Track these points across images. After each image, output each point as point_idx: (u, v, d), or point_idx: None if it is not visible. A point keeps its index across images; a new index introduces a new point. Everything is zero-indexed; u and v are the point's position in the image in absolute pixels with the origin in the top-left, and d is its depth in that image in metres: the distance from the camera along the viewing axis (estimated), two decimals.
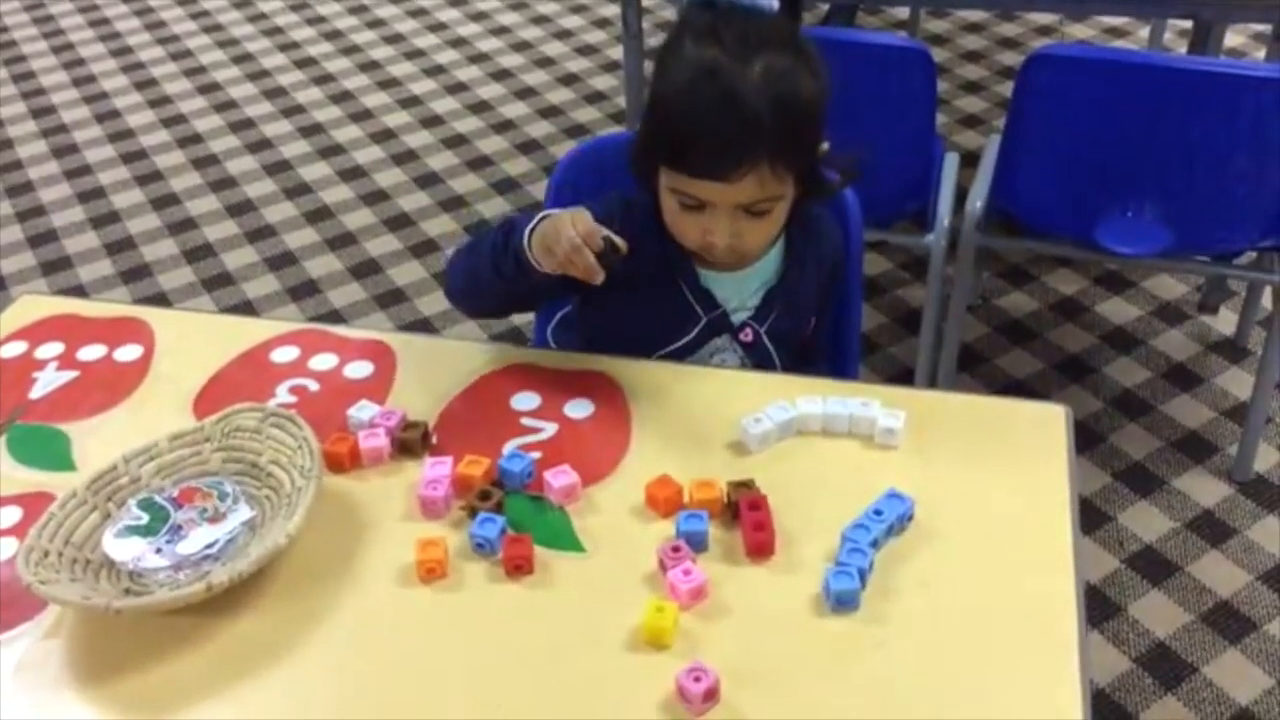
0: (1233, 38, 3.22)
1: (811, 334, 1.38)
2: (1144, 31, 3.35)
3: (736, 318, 1.28)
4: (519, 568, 1.02)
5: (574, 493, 1.08)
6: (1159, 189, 1.78)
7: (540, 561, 1.02)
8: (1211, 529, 1.97)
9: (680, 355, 1.28)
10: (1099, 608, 1.84)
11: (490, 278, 1.20)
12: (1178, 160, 1.76)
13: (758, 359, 1.29)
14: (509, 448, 1.13)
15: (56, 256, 2.75)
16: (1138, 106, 1.71)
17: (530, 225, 1.15)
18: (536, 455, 1.12)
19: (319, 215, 2.86)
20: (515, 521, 1.05)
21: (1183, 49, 3.06)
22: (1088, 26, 3.48)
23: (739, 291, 1.28)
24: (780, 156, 1.12)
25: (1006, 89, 3.14)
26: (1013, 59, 3.31)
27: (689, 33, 1.16)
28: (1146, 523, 1.99)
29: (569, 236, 1.09)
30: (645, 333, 1.27)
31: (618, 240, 1.11)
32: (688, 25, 1.16)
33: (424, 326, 2.46)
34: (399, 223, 2.82)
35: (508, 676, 0.94)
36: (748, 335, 1.28)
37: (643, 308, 1.26)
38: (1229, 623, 1.82)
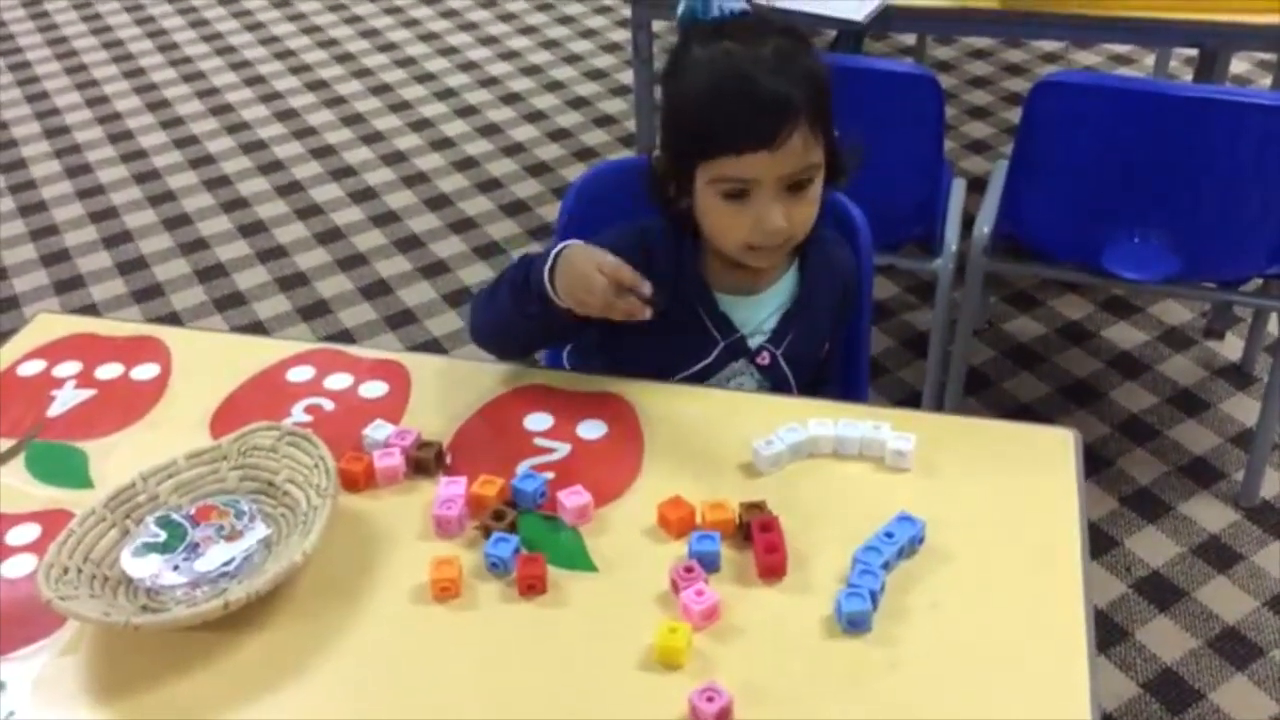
0: (1238, 65, 3.24)
1: (824, 357, 1.39)
2: (1149, 59, 3.37)
3: (753, 341, 1.29)
4: (532, 587, 1.02)
5: (587, 513, 1.09)
6: (1166, 215, 1.80)
7: (553, 581, 1.03)
8: (1218, 555, 1.98)
9: (699, 379, 1.29)
10: (1106, 633, 1.84)
11: (516, 320, 1.22)
12: (1184, 186, 1.77)
13: (774, 381, 1.31)
14: (522, 468, 1.14)
15: (69, 275, 2.77)
16: (1145, 133, 1.73)
17: (548, 265, 1.16)
18: (549, 475, 1.13)
19: (330, 236, 2.88)
20: (529, 541, 1.06)
21: (1188, 77, 3.09)
22: (1094, 54, 3.50)
23: (755, 315, 1.29)
24: (815, 117, 1.16)
25: (1013, 115, 3.16)
26: (1019, 85, 3.33)
27: (694, 41, 1.20)
28: (1153, 548, 1.99)
29: (601, 286, 1.11)
30: (663, 358, 1.28)
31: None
32: (690, 37, 1.21)
33: (434, 347, 2.48)
34: (409, 244, 2.84)
35: (521, 695, 0.95)
36: (764, 359, 1.30)
37: (660, 333, 1.27)
38: (1236, 649, 1.83)
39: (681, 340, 1.28)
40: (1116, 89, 1.78)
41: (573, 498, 1.09)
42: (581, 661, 0.97)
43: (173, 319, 2.60)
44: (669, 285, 1.25)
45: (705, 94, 1.18)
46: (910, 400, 2.28)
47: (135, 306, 2.66)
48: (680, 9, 1.21)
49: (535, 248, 2.79)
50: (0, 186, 3.13)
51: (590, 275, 1.12)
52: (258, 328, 2.57)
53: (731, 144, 1.16)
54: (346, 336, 2.53)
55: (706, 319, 1.28)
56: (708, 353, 1.29)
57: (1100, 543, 1.98)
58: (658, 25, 2.30)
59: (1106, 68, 3.41)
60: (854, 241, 1.42)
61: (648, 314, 1.13)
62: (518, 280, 1.21)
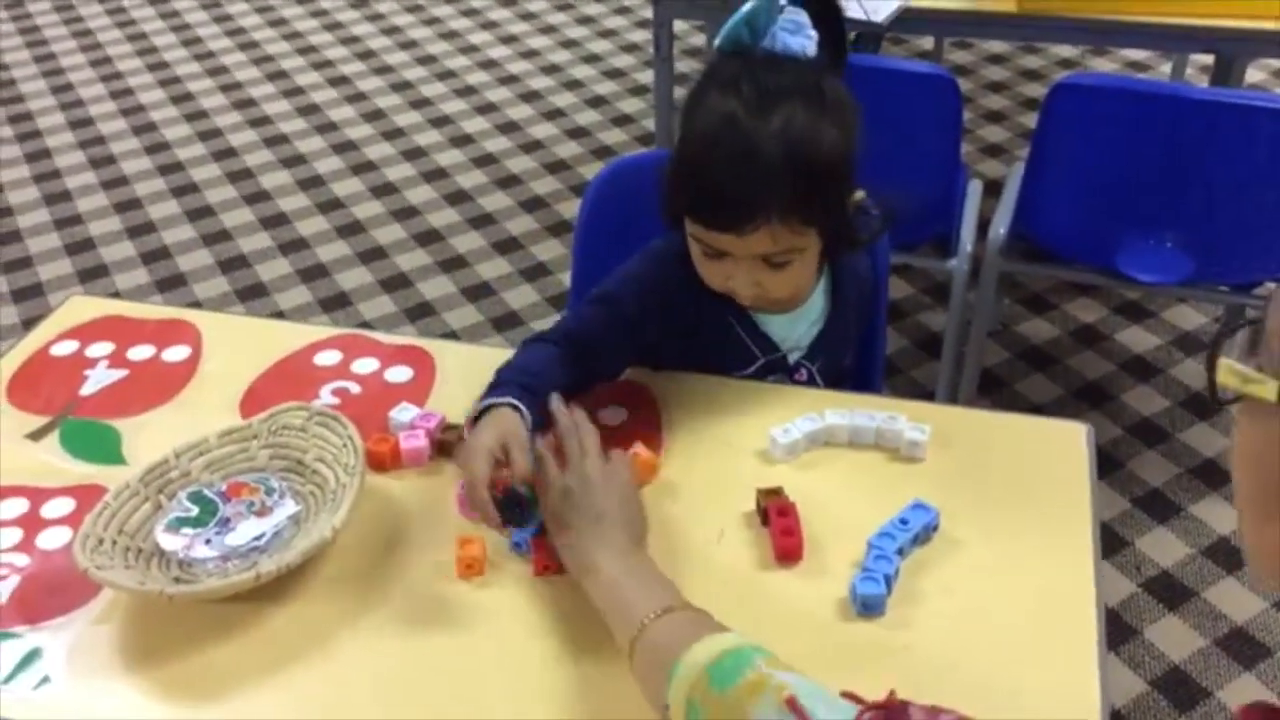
0: (1254, 74, 3.25)
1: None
2: (1166, 66, 3.39)
3: (791, 358, 1.29)
4: (548, 568, 1.04)
5: None
6: (1181, 218, 1.82)
7: None
8: (1227, 555, 1.99)
9: None
10: (1116, 631, 1.86)
11: None
12: (1199, 190, 1.79)
13: None
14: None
15: (94, 264, 2.81)
16: (1161, 136, 1.74)
17: (474, 413, 1.09)
18: None
19: (350, 229, 2.91)
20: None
21: (1204, 84, 3.10)
22: (1110, 60, 3.51)
23: (793, 330, 1.29)
24: (794, 212, 1.12)
25: (1029, 119, 3.18)
26: (1035, 90, 3.35)
27: (714, 80, 1.15)
28: (1163, 548, 2.01)
29: (461, 483, 1.07)
30: (702, 372, 1.27)
31: (522, 493, 1.04)
32: (715, 72, 1.16)
33: (452, 339, 2.50)
34: (428, 238, 2.87)
35: (542, 671, 0.97)
36: (802, 375, 1.30)
37: (700, 351, 1.27)
38: (1243, 648, 1.84)
39: (721, 357, 1.28)
40: (1133, 91, 1.80)
41: None
42: (602, 640, 0.98)
43: (195, 309, 2.62)
44: (706, 306, 1.24)
45: (694, 156, 1.14)
46: (924, 400, 2.29)
47: (158, 296, 2.69)
48: (722, 32, 1.13)
49: (553, 243, 2.82)
50: (26, 176, 3.17)
51: (463, 466, 1.05)
52: (279, 319, 2.59)
53: (700, 218, 1.15)
54: (366, 328, 2.54)
55: (747, 338, 1.27)
56: (746, 369, 1.29)
57: (1111, 542, 2.00)
58: (678, 26, 2.32)
59: (1123, 74, 3.42)
60: (872, 243, 1.43)
61: (494, 524, 1.03)
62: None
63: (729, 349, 1.27)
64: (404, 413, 1.20)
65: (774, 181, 1.09)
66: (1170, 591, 1.93)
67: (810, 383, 1.31)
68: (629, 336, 1.23)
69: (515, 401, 1.09)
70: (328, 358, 1.31)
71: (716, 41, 1.15)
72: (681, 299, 1.24)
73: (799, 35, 1.12)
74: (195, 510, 1.07)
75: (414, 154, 3.22)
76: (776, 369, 1.29)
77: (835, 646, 0.98)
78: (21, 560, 1.08)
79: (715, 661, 0.83)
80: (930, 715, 0.77)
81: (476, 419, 1.08)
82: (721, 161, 1.11)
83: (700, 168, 1.13)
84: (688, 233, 1.19)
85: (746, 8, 1.11)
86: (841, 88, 1.15)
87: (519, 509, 1.04)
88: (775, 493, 1.09)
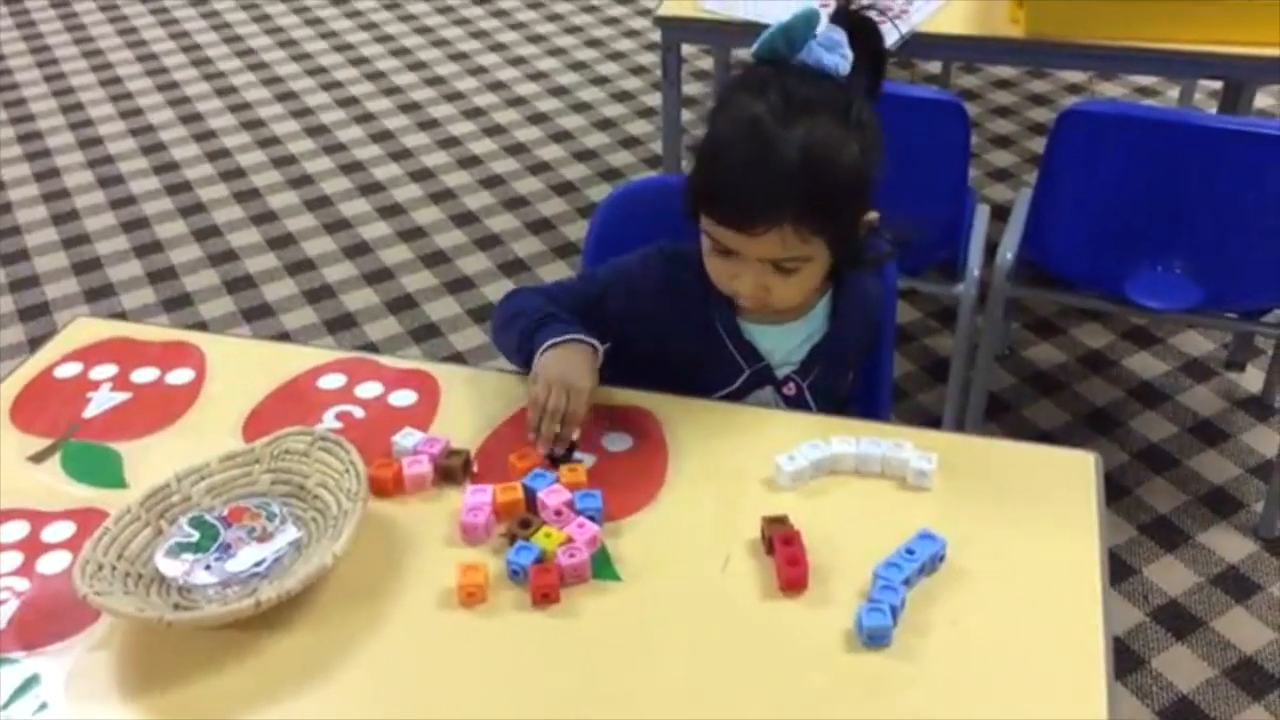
0: (1262, 99, 3.25)
1: (846, 389, 1.40)
2: (1174, 92, 3.39)
3: (781, 371, 1.29)
4: (546, 596, 1.03)
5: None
6: (1189, 245, 1.81)
7: (578, 589, 1.04)
8: (1236, 585, 1.97)
9: None
10: (1123, 660, 1.84)
11: (518, 359, 1.27)
12: (1208, 217, 1.78)
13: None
14: (535, 470, 1.15)
15: (100, 284, 2.81)
16: (1169, 163, 1.74)
17: (550, 342, 1.19)
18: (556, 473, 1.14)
19: (357, 250, 2.91)
20: (551, 550, 1.07)
21: (1213, 109, 3.10)
22: (1118, 85, 3.51)
23: (784, 344, 1.29)
24: (805, 220, 1.13)
25: (1036, 144, 3.18)
26: (1043, 115, 3.35)
27: (745, 84, 1.17)
28: (1171, 577, 1.99)
29: (553, 406, 1.14)
30: (689, 383, 1.28)
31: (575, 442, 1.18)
32: (747, 76, 1.18)
33: (458, 361, 2.50)
34: (435, 259, 2.87)
35: (544, 700, 0.96)
36: (790, 389, 1.30)
37: (685, 357, 1.28)
38: (1252, 679, 1.82)
39: (707, 366, 1.29)
40: (1141, 119, 1.80)
41: (554, 497, 1.10)
42: (603, 668, 0.98)
43: (200, 329, 2.63)
44: (695, 310, 1.27)
45: (714, 153, 1.17)
46: (930, 425, 2.28)
47: (164, 315, 2.69)
48: (759, 41, 1.15)
49: (560, 265, 2.82)
50: (34, 195, 3.18)
51: (559, 389, 1.15)
52: (284, 339, 2.59)
53: (713, 214, 1.17)
54: (371, 349, 2.55)
55: (731, 346, 1.28)
56: (733, 380, 1.29)
57: (1118, 571, 1.98)
58: (686, 49, 2.32)
59: (1131, 100, 3.42)
60: (880, 267, 1.42)
61: (543, 451, 1.16)
62: (526, 332, 1.23)
63: (713, 356, 1.28)
64: (408, 438, 1.19)
65: (789, 186, 1.11)
66: (1178, 621, 1.92)
67: (799, 397, 1.30)
68: (588, 313, 1.26)
69: (595, 343, 1.21)
70: (331, 381, 1.31)
71: (753, 49, 1.17)
72: (657, 299, 1.25)
73: (834, 53, 1.14)
74: (196, 535, 1.06)
75: (421, 175, 3.23)
76: (764, 380, 1.29)
77: (840, 678, 0.97)
78: (21, 585, 1.07)
79: None
80: None
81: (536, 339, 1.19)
82: (740, 160, 1.13)
83: (719, 164, 1.16)
84: (701, 227, 1.21)
85: (786, 19, 1.13)
86: (869, 111, 1.17)
87: (568, 453, 1.17)
88: (780, 521, 1.08)
